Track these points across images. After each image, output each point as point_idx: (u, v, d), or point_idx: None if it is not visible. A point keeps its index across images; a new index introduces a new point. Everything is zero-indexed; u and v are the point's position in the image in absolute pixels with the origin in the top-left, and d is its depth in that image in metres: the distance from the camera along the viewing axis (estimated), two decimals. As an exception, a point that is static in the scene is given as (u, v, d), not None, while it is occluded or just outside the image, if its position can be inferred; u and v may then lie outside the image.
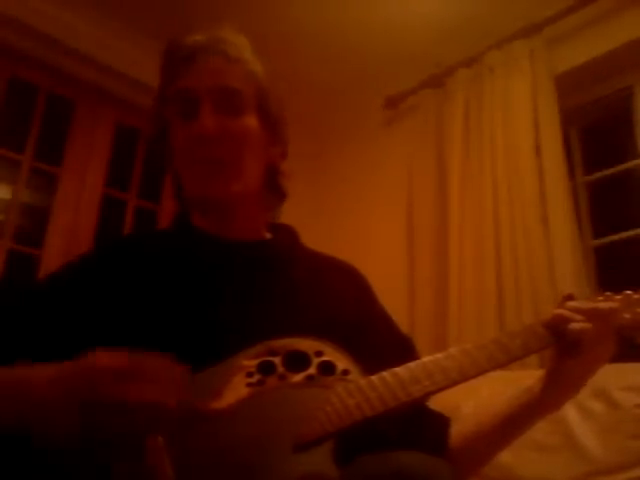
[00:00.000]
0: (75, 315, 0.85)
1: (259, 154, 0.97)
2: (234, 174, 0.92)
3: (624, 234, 2.07)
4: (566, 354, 0.84)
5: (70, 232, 2.37)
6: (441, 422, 0.93)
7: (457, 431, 0.92)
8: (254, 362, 0.76)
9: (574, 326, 0.82)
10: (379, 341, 0.95)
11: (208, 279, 0.91)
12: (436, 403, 0.94)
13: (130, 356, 0.66)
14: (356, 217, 2.65)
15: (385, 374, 0.75)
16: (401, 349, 0.97)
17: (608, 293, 0.91)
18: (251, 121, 0.95)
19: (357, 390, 0.73)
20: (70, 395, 0.65)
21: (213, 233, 0.97)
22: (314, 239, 1.12)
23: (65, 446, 0.64)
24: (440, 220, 2.25)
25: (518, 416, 0.87)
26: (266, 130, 0.98)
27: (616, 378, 1.38)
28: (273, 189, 1.03)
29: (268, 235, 1.04)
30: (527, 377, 1.50)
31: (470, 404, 1.53)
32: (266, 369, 0.75)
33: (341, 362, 0.77)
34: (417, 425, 0.90)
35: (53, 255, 2.28)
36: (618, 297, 0.89)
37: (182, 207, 1.04)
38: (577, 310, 0.85)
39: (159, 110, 0.99)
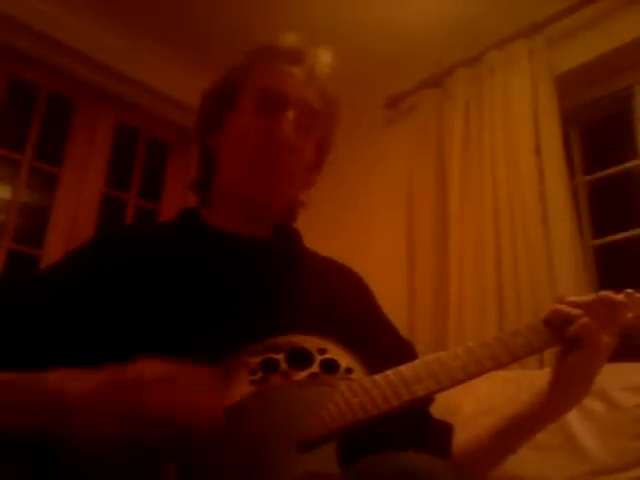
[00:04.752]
0: (82, 311, 0.83)
1: (303, 178, 1.02)
2: (285, 182, 0.96)
3: (624, 234, 2.06)
4: (568, 349, 0.83)
5: (70, 232, 2.38)
6: (444, 428, 0.93)
7: (466, 434, 0.91)
8: (257, 359, 0.75)
9: (573, 319, 0.82)
10: (379, 343, 0.95)
11: (213, 274, 0.91)
12: (436, 402, 0.94)
13: (173, 366, 0.67)
14: (356, 217, 2.65)
15: (389, 373, 0.75)
16: (401, 352, 0.97)
17: (610, 291, 0.90)
18: (312, 147, 1.00)
19: (361, 389, 0.73)
20: (118, 405, 0.64)
21: (221, 228, 0.98)
22: (313, 238, 1.12)
23: (97, 454, 0.64)
24: (440, 220, 2.25)
25: (527, 419, 0.87)
26: (316, 157, 1.03)
27: (616, 378, 1.37)
28: (290, 211, 1.07)
29: (272, 234, 1.04)
30: (526, 376, 1.51)
31: (471, 403, 1.53)
32: (269, 366, 0.75)
33: (344, 360, 0.77)
34: (421, 431, 0.90)
35: (53, 255, 2.28)
36: (620, 295, 0.89)
37: (200, 197, 1.04)
38: (575, 304, 0.85)
39: (226, 93, 1.00)
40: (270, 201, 0.97)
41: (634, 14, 1.99)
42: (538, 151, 2.03)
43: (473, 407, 1.52)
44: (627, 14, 2.01)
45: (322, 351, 0.77)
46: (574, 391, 0.85)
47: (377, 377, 0.75)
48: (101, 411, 0.65)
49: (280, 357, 0.75)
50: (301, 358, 0.76)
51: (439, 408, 0.96)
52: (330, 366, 0.76)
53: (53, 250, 2.31)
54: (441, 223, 2.24)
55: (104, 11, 2.39)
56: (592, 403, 1.37)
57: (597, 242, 2.12)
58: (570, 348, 0.83)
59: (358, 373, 0.76)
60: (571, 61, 2.14)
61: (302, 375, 0.75)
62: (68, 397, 0.67)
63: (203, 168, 1.05)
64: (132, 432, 0.63)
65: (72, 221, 2.40)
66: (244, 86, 0.99)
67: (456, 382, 0.77)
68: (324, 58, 1.00)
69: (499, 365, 0.80)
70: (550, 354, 0.88)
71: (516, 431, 0.88)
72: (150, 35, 2.52)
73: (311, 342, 0.78)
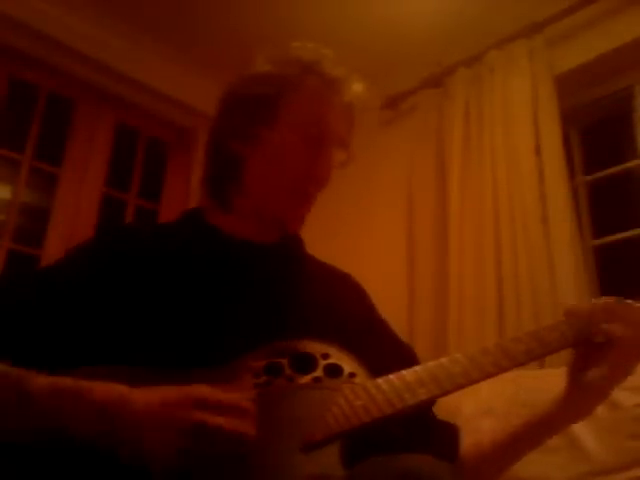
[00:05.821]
0: (81, 310, 0.83)
1: None
2: (310, 209, 1.01)
3: (624, 234, 2.06)
4: (591, 357, 0.83)
5: (70, 232, 2.38)
6: (450, 430, 0.94)
7: (473, 439, 0.92)
8: (261, 363, 0.76)
9: (606, 326, 0.81)
10: (380, 348, 0.95)
11: (218, 277, 0.91)
12: (437, 403, 0.94)
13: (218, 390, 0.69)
14: (356, 217, 2.64)
15: (392, 377, 0.76)
16: (402, 356, 0.97)
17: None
18: None
19: (364, 392, 0.74)
20: (168, 422, 0.66)
21: (227, 232, 0.98)
22: (313, 238, 1.12)
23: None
24: (440, 220, 2.25)
25: (539, 425, 0.87)
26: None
27: (616, 378, 1.37)
28: None
29: (278, 240, 1.03)
30: (526, 377, 1.51)
31: (471, 403, 1.53)
32: (273, 370, 0.76)
33: (347, 365, 0.78)
34: (425, 434, 0.90)
35: (53, 255, 2.28)
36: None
37: (210, 196, 1.03)
38: (607, 309, 0.84)
39: (266, 104, 0.96)
40: (291, 225, 1.00)
41: (634, 14, 1.99)
42: (538, 151, 2.03)
43: (473, 408, 1.52)
44: (627, 14, 2.01)
45: (325, 356, 0.78)
46: (592, 400, 0.86)
47: (380, 381, 0.75)
48: (166, 425, 0.66)
49: (284, 361, 0.76)
50: (305, 363, 0.77)
51: (439, 409, 0.96)
52: (334, 371, 0.77)
53: (53, 250, 2.31)
54: (441, 223, 2.24)
55: (104, 11, 2.40)
56: (592, 403, 1.37)
57: (597, 242, 2.13)
58: (591, 353, 0.83)
59: (361, 377, 0.77)
60: (571, 61, 2.14)
61: (306, 379, 0.75)
62: (134, 413, 0.67)
63: (219, 169, 1.01)
64: (184, 446, 0.65)
65: (72, 221, 2.40)
66: (285, 102, 0.96)
67: (458, 387, 0.77)
68: (360, 90, 1.02)
69: (500, 370, 0.81)
70: (550, 356, 0.88)
71: (526, 438, 0.88)
72: (150, 35, 2.52)
73: (315, 347, 0.79)
